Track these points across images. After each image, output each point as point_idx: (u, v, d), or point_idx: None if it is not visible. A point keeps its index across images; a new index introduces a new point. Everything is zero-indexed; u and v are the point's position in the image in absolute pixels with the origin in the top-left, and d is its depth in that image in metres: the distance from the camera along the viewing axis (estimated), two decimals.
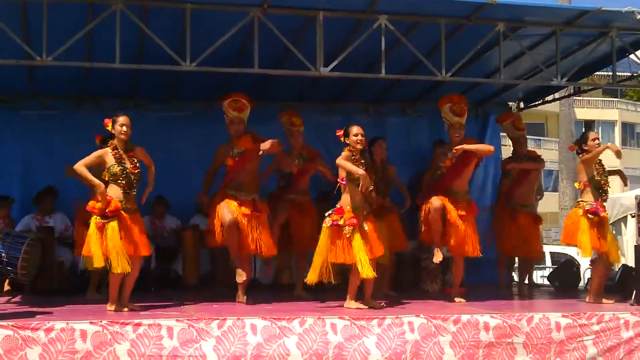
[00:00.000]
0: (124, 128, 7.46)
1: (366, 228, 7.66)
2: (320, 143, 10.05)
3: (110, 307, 7.29)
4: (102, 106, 10.82)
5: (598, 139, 8.71)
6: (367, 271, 7.44)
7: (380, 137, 9.50)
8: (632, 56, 9.59)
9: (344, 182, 7.68)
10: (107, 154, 7.44)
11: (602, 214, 8.41)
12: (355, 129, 7.79)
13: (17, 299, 8.59)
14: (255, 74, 8.10)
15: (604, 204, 8.57)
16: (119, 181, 7.35)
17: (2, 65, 7.80)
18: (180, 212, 10.48)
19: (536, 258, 10.66)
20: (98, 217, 7.25)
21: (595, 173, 8.53)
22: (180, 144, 10.58)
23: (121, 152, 7.45)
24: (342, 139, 7.84)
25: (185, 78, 9.58)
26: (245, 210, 7.96)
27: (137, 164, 7.50)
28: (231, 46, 8.23)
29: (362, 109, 11.62)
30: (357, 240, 7.53)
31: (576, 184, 8.79)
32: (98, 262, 7.20)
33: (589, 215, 8.35)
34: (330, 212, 7.72)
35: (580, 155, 8.70)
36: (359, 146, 7.72)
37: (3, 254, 8.28)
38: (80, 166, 7.39)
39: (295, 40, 8.22)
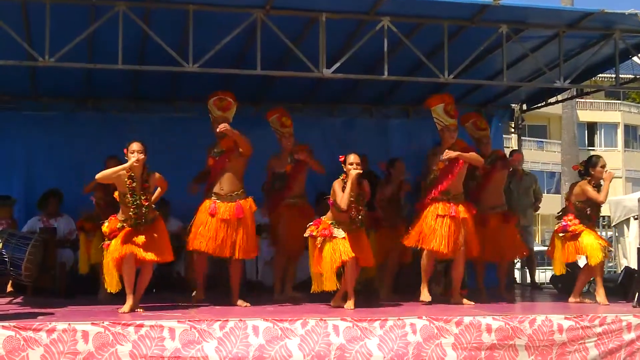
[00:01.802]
0: (136, 155, 7.40)
1: (341, 236, 7.78)
2: (323, 145, 10.07)
3: (124, 308, 7.33)
4: (105, 107, 10.86)
5: (605, 166, 8.68)
6: (326, 284, 7.75)
7: (398, 158, 9.58)
8: (635, 58, 9.60)
9: (330, 202, 7.96)
10: (122, 179, 7.42)
11: (572, 229, 8.59)
12: (351, 158, 7.91)
13: (19, 299, 8.61)
14: (258, 75, 8.10)
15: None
16: (130, 211, 7.44)
17: (5, 66, 7.81)
18: (183, 213, 10.47)
19: (521, 257, 10.55)
20: (107, 239, 7.56)
21: (583, 203, 8.62)
22: (183, 145, 10.56)
23: (135, 183, 7.43)
24: (342, 165, 7.96)
25: (188, 79, 9.58)
26: (224, 214, 8.00)
27: (149, 196, 7.54)
28: (234, 47, 8.23)
29: (364, 110, 11.63)
30: (328, 250, 7.75)
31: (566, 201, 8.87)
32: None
33: (559, 234, 8.69)
34: (310, 223, 8.02)
35: (585, 178, 8.68)
36: (352, 173, 7.80)
37: (7, 256, 8.28)
38: (100, 175, 7.48)
39: (297, 42, 8.23)
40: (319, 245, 7.85)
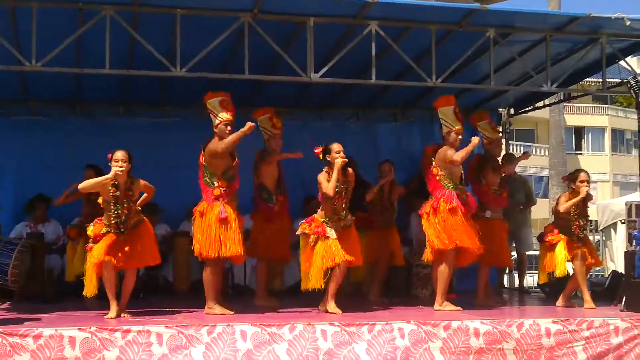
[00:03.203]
0: (120, 164, 7.37)
1: (333, 237, 7.77)
2: (311, 149, 10.04)
3: (110, 314, 7.28)
4: (94, 112, 10.83)
5: (587, 181, 8.73)
6: (313, 282, 7.75)
7: (385, 160, 9.55)
8: (622, 62, 9.64)
9: (320, 198, 8.00)
10: (106, 188, 7.39)
11: (549, 239, 8.82)
12: (335, 147, 7.95)
13: (5, 305, 8.56)
14: (246, 79, 8.09)
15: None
16: (111, 219, 7.43)
17: None
18: (171, 218, 10.45)
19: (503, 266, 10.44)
20: (90, 241, 7.52)
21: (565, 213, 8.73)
22: (171, 149, 10.54)
23: (119, 192, 7.39)
24: (320, 156, 7.95)
25: (176, 83, 9.58)
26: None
27: (132, 205, 7.51)
28: (222, 52, 8.24)
29: (352, 114, 11.65)
30: (320, 249, 7.76)
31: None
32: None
33: (539, 243, 8.97)
34: (303, 221, 8.05)
35: (569, 187, 8.86)
36: (338, 161, 7.82)
37: None
38: (82, 185, 7.49)
39: (285, 46, 8.23)
40: (312, 244, 7.83)
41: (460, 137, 8.27)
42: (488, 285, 9.29)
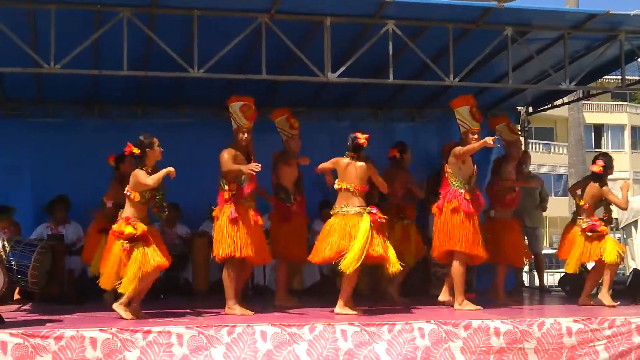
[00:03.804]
0: (161, 148, 7.52)
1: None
2: (328, 149, 10.03)
3: (125, 315, 7.25)
4: (111, 113, 10.88)
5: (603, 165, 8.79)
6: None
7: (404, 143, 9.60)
8: None
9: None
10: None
11: (600, 229, 8.62)
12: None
13: (27, 307, 8.61)
14: (263, 80, 8.10)
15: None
16: (156, 205, 7.46)
17: (11, 73, 7.82)
18: (191, 218, 10.48)
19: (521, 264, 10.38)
20: (126, 242, 7.25)
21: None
22: (189, 150, 10.55)
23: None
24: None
25: (193, 84, 9.58)
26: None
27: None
28: (239, 52, 8.24)
29: (369, 114, 11.62)
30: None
31: (581, 202, 8.82)
32: (108, 284, 7.43)
33: (587, 233, 8.62)
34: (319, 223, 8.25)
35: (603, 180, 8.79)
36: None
37: (13, 263, 8.28)
38: (153, 180, 7.29)
39: (302, 46, 8.23)
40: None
41: (476, 137, 8.24)
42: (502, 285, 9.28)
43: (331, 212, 7.97)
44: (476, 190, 8.35)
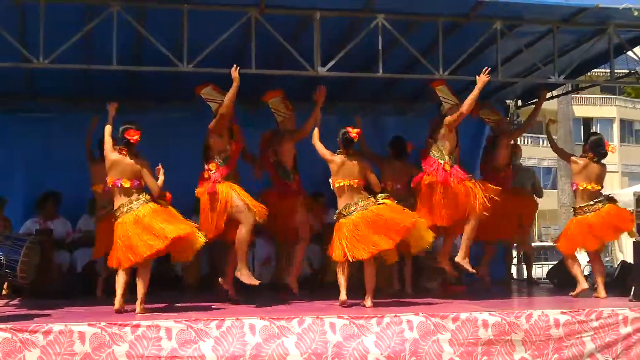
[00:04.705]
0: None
1: None
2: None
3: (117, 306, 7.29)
4: (102, 107, 10.81)
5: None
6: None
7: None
8: (629, 53, 9.60)
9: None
10: None
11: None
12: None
13: (15, 301, 8.60)
14: (253, 74, 8.10)
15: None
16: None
17: (0, 68, 7.79)
18: (180, 211, 10.44)
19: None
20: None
21: None
22: (179, 144, 10.54)
23: None
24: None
25: (184, 79, 9.56)
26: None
27: None
28: (229, 46, 8.22)
29: (359, 108, 11.59)
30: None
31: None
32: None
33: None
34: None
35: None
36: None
37: (2, 257, 8.25)
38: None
39: (292, 40, 8.23)
40: None
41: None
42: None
43: (344, 213, 7.86)
44: (456, 165, 8.40)
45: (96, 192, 8.82)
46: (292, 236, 8.67)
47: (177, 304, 7.88)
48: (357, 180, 7.88)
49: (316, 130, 8.27)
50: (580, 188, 8.76)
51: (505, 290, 9.70)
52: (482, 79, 8.34)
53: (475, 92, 8.30)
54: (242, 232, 7.76)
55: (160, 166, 7.70)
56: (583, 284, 8.62)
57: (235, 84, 7.78)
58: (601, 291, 8.59)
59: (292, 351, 6.57)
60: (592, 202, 8.69)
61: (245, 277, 7.73)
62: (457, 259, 8.35)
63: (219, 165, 7.86)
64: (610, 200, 8.79)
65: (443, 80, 8.49)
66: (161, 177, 7.68)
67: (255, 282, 7.72)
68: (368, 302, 7.67)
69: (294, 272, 8.62)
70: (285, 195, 8.56)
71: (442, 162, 8.29)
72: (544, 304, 8.43)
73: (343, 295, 7.69)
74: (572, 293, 8.67)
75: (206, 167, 7.89)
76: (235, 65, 7.76)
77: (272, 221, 8.35)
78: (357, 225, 7.73)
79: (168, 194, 7.64)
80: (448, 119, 8.41)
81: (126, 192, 7.47)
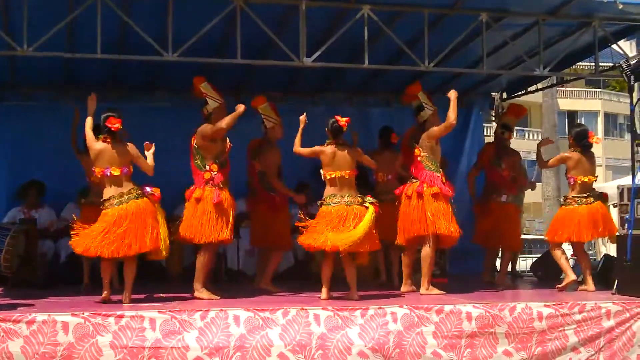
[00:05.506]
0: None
1: None
2: (305, 133, 10.02)
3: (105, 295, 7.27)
4: (86, 96, 10.75)
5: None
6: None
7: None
8: (614, 46, 9.62)
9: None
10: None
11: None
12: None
13: None
14: (239, 64, 8.07)
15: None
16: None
17: None
18: (164, 202, 10.41)
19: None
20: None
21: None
22: (164, 133, 10.45)
23: None
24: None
25: (169, 68, 9.53)
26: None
27: None
28: (214, 36, 8.21)
29: (345, 99, 11.61)
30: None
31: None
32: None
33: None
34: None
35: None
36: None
37: None
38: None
39: (278, 31, 8.20)
40: None
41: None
42: (495, 269, 9.49)
43: (327, 202, 7.73)
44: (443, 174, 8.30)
45: (93, 183, 8.75)
46: (270, 244, 8.67)
47: (161, 294, 7.85)
48: (349, 172, 7.77)
49: (297, 139, 7.99)
50: (579, 182, 8.76)
51: (489, 283, 9.72)
52: (453, 93, 8.10)
53: (454, 103, 8.05)
54: (206, 257, 7.78)
55: (147, 142, 7.62)
56: (571, 276, 8.60)
57: (240, 110, 7.71)
58: (590, 284, 8.61)
59: (277, 342, 6.56)
60: (584, 195, 8.71)
61: (206, 295, 7.66)
62: (423, 291, 8.13)
63: (219, 167, 7.79)
64: (601, 197, 8.81)
65: (419, 85, 8.38)
66: (151, 150, 7.62)
67: (216, 297, 7.63)
68: (355, 296, 7.65)
69: (267, 279, 8.58)
70: (271, 207, 8.56)
71: (438, 174, 8.13)
72: (528, 297, 8.45)
73: (324, 294, 7.63)
74: (559, 285, 8.67)
75: (207, 167, 7.78)
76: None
77: (254, 228, 8.62)
78: (328, 216, 7.66)
79: (157, 193, 7.55)
80: (435, 131, 8.14)
81: (116, 182, 7.39)
